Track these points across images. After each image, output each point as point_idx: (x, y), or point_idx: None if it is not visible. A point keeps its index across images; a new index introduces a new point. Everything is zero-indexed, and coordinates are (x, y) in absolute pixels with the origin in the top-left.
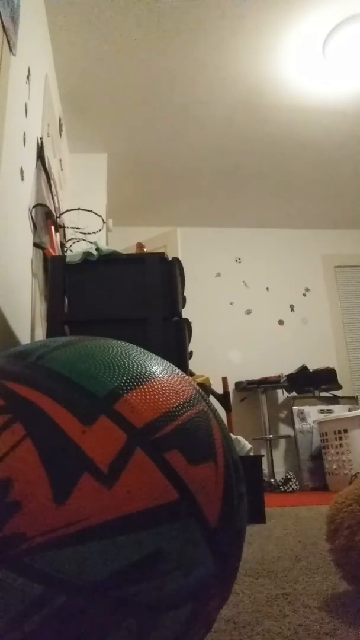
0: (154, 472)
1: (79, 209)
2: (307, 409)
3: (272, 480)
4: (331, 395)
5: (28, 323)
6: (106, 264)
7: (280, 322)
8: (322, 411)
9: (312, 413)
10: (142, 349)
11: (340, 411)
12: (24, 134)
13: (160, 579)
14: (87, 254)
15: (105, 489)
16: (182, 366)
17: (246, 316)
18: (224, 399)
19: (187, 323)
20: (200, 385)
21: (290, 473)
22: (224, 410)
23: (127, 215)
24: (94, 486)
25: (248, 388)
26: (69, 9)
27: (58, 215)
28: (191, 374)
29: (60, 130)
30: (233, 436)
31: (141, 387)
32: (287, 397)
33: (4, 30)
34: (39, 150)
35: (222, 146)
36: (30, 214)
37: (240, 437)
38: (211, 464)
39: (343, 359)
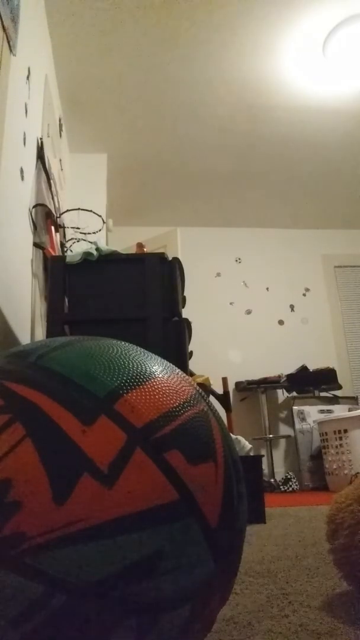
0: (154, 472)
1: (79, 209)
2: (307, 409)
3: (272, 480)
4: (331, 395)
5: (28, 323)
6: (106, 264)
7: (280, 322)
8: (322, 411)
9: (312, 413)
10: (142, 349)
11: (340, 411)
12: (24, 134)
13: (160, 579)
14: (87, 254)
15: (105, 489)
16: (182, 366)
17: (246, 316)
18: (224, 399)
19: (187, 323)
20: (200, 385)
21: (290, 473)
22: (224, 410)
23: (127, 215)
24: (94, 486)
25: (248, 388)
26: (69, 9)
27: (58, 215)
28: (191, 374)
29: (60, 130)
30: (233, 436)
31: (141, 387)
32: (287, 397)
33: (4, 30)
34: (39, 150)
35: (222, 146)
36: (30, 214)
37: (240, 437)
38: (211, 464)
39: (343, 359)
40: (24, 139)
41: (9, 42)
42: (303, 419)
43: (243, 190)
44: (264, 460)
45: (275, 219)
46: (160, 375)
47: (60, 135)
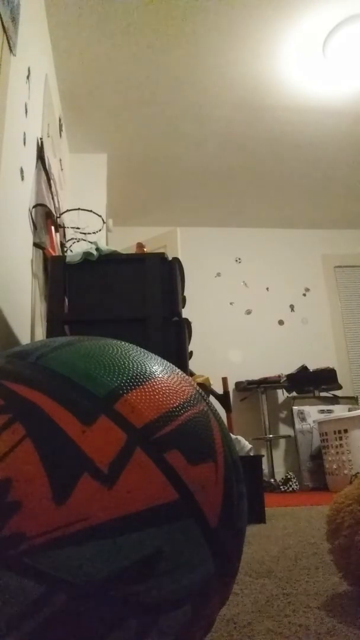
0: (154, 472)
1: (79, 209)
2: (307, 409)
3: (272, 480)
4: (331, 395)
5: (28, 323)
6: (106, 264)
7: (280, 322)
8: (322, 411)
9: (312, 413)
10: (142, 349)
11: (340, 411)
12: (24, 134)
13: (161, 578)
14: (87, 254)
15: (105, 489)
16: (182, 366)
17: (246, 316)
18: (224, 399)
19: (187, 323)
20: (200, 385)
21: (290, 473)
22: (224, 410)
23: (127, 215)
24: (94, 486)
25: (248, 388)
26: (69, 9)
27: (58, 215)
28: (191, 374)
29: (60, 130)
30: (233, 436)
31: (141, 387)
32: (287, 397)
33: (4, 30)
34: (39, 150)
35: (222, 146)
36: (30, 214)
37: (240, 437)
38: (211, 464)
39: (343, 359)
40: (24, 139)
41: (9, 42)
42: (303, 419)
43: (243, 190)
44: (264, 460)
45: (275, 219)
46: (160, 375)
47: (60, 135)
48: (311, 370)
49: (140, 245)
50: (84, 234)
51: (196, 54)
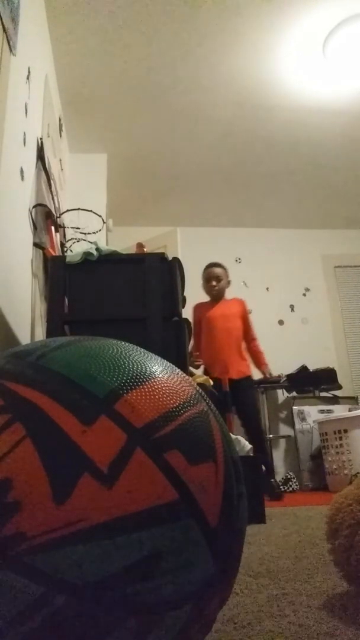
0: (154, 472)
1: (79, 209)
2: (307, 409)
3: (272, 480)
4: (331, 395)
5: (28, 323)
6: (106, 264)
7: (280, 322)
8: (322, 411)
9: (312, 413)
10: (142, 349)
11: (340, 411)
12: (24, 134)
13: (160, 579)
14: (87, 254)
15: (105, 489)
16: (182, 366)
17: None
18: (224, 399)
19: (187, 323)
20: (200, 385)
21: (290, 473)
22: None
23: (127, 215)
24: (94, 486)
25: None
26: (69, 9)
27: (58, 215)
28: (191, 374)
29: (60, 130)
30: (233, 436)
31: (141, 387)
32: (287, 397)
33: (4, 30)
34: (39, 150)
35: (222, 146)
36: (30, 214)
37: (240, 437)
38: (211, 464)
39: (343, 359)
40: (24, 139)
41: (9, 42)
42: (303, 419)
43: (243, 190)
44: None
45: (275, 219)
46: (160, 375)
47: (60, 135)
48: (311, 370)
49: (140, 245)
50: (84, 234)
51: (196, 54)
